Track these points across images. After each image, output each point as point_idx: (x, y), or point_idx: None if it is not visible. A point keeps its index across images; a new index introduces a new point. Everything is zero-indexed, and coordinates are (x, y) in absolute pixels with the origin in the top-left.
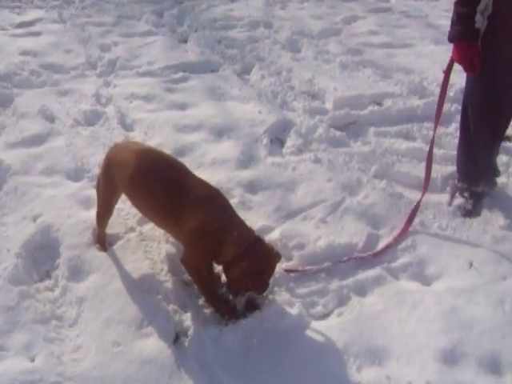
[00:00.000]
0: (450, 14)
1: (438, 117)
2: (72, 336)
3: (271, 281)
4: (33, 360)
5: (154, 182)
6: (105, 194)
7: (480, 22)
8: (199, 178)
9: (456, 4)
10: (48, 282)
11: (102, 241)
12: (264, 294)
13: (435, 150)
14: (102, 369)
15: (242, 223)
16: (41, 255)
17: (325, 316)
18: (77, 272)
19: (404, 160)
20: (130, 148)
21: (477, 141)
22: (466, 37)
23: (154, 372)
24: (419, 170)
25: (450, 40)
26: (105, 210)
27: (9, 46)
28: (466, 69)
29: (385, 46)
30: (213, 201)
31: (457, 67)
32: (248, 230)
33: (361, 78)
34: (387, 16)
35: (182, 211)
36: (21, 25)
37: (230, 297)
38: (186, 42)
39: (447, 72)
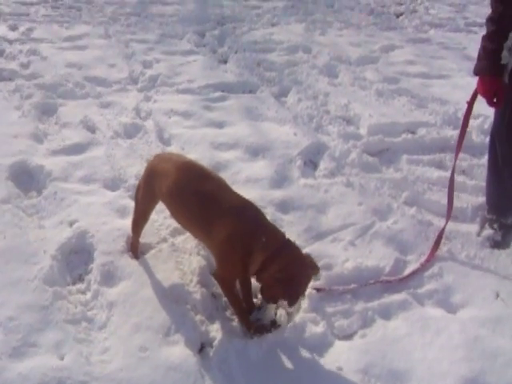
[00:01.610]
0: None
1: (460, 146)
2: (101, 338)
3: (304, 294)
4: (62, 358)
5: (190, 193)
6: (143, 201)
7: (506, 57)
8: (234, 192)
9: (484, 38)
10: (80, 285)
11: (135, 249)
12: (294, 308)
13: (466, 181)
14: (128, 372)
15: (271, 228)
16: (75, 259)
17: (349, 336)
18: (109, 277)
19: (435, 188)
20: (172, 159)
21: (505, 173)
22: (491, 71)
23: (179, 378)
24: None
25: (476, 73)
26: (141, 218)
27: (56, 58)
28: (489, 102)
29: (421, 75)
30: (241, 211)
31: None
32: (277, 234)
33: (396, 106)
34: (425, 47)
35: (213, 223)
36: (68, 38)
37: (260, 312)
38: (225, 62)
39: (470, 103)
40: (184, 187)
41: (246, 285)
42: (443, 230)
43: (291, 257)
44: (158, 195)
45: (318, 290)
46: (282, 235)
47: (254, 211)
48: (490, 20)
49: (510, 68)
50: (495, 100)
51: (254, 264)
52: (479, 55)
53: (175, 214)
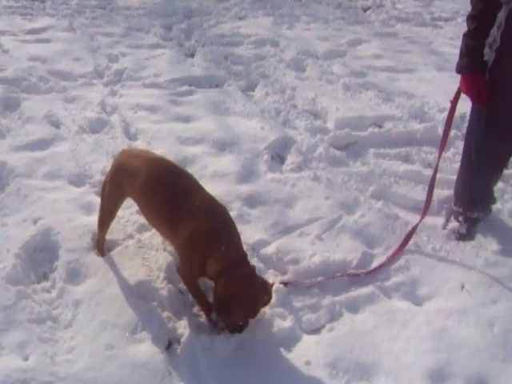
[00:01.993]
0: (454, 42)
1: (444, 145)
2: (66, 337)
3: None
4: (26, 359)
5: (161, 190)
6: (110, 198)
7: (488, 54)
8: (205, 190)
9: (465, 36)
10: (45, 284)
11: (101, 246)
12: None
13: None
14: (94, 371)
15: (233, 240)
16: (39, 257)
17: (316, 330)
18: (74, 275)
19: (401, 182)
20: (141, 155)
21: (478, 171)
22: (473, 68)
23: (146, 376)
24: (416, 193)
25: (458, 71)
26: (108, 215)
27: (18, 51)
28: (472, 100)
29: (388, 69)
30: (209, 212)
31: (463, 96)
32: (237, 248)
33: (363, 99)
34: (392, 41)
35: (179, 221)
36: (31, 31)
37: None
38: (192, 56)
39: (454, 102)
40: (155, 183)
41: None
42: (416, 227)
43: (241, 276)
44: (127, 192)
45: (285, 284)
46: (241, 252)
47: (222, 215)
48: (471, 17)
49: (490, 65)
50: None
51: (209, 269)
52: (461, 53)
53: (145, 211)
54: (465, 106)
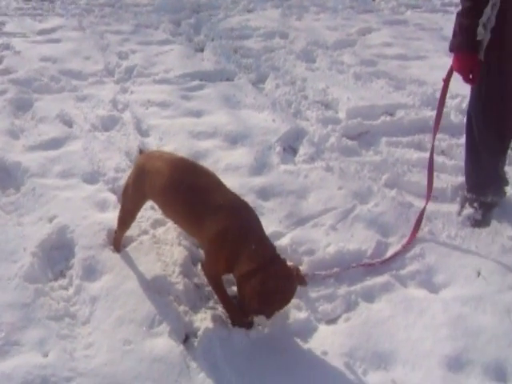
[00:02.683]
0: None
1: (437, 125)
2: (84, 333)
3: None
4: (46, 355)
5: (185, 190)
6: (132, 200)
7: (482, 34)
8: (228, 189)
9: (458, 15)
10: (62, 281)
11: (118, 244)
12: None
13: (446, 161)
14: (112, 366)
15: (263, 238)
16: (56, 255)
17: (332, 320)
18: (91, 272)
19: (415, 170)
20: (162, 157)
21: (482, 151)
22: (466, 47)
23: (164, 370)
24: None
25: (451, 50)
26: (129, 216)
27: (29, 52)
28: (464, 79)
29: (399, 57)
30: (234, 210)
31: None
32: (267, 246)
33: (374, 88)
34: (402, 28)
35: (205, 219)
36: (41, 32)
37: None
38: (202, 50)
39: (446, 80)
40: (178, 184)
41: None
42: (423, 211)
43: (276, 274)
44: (148, 194)
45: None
46: (272, 249)
47: (249, 213)
48: None
49: (486, 44)
50: (471, 76)
51: (237, 268)
52: (455, 32)
53: (168, 212)
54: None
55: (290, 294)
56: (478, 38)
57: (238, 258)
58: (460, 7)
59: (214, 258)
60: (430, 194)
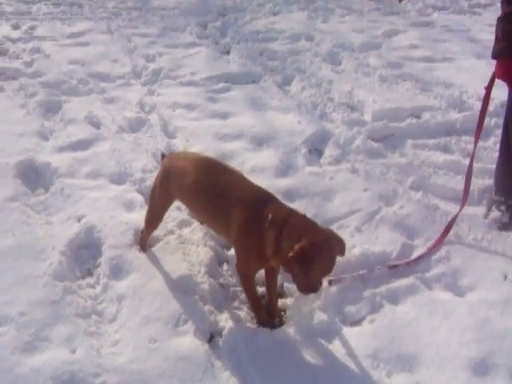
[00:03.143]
0: (493, 29)
1: (479, 132)
2: (111, 331)
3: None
4: (74, 352)
5: (209, 188)
6: (160, 201)
7: None
8: (251, 182)
9: (500, 20)
10: (90, 279)
11: (145, 243)
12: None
13: (473, 164)
14: (138, 363)
15: (278, 205)
16: (84, 254)
17: (357, 322)
18: (117, 271)
19: (441, 172)
20: (188, 157)
21: None
22: (510, 53)
23: (189, 368)
24: (455, 183)
25: (494, 56)
26: (157, 217)
27: (59, 55)
28: (510, 85)
29: (425, 59)
30: (252, 198)
31: (499, 82)
32: (283, 207)
33: (400, 91)
34: (428, 30)
35: (230, 213)
36: (70, 35)
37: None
38: (228, 53)
39: (488, 88)
40: (203, 182)
41: (271, 275)
42: (456, 216)
43: (298, 224)
44: (175, 194)
45: (329, 282)
46: (288, 208)
47: (265, 196)
48: (506, 0)
49: None
50: None
51: (269, 246)
52: (497, 38)
53: (196, 211)
54: (505, 93)
55: (333, 256)
56: None
57: (264, 235)
58: (501, 12)
59: (243, 250)
60: (465, 200)
